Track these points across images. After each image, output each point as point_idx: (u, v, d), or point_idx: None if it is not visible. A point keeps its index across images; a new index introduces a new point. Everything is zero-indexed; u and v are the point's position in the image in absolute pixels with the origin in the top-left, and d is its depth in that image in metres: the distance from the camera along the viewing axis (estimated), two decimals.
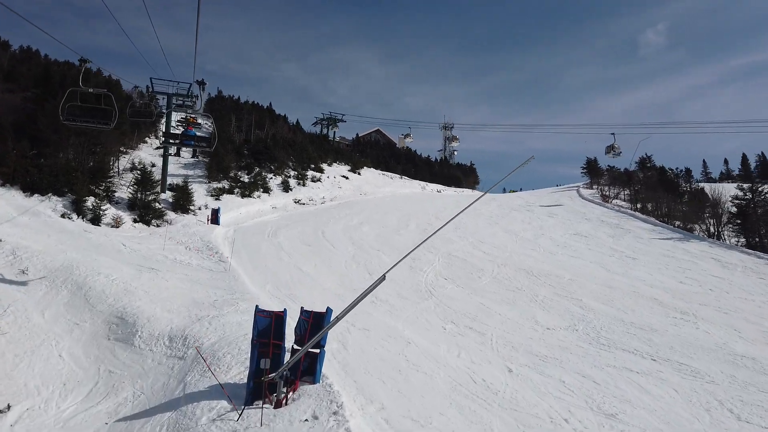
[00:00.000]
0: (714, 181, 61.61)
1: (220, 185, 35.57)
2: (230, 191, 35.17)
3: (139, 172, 27.84)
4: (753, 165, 64.85)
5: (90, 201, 23.97)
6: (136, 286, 13.54)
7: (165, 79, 30.94)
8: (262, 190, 37.41)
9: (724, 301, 16.28)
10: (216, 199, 33.57)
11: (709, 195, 41.99)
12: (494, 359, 10.79)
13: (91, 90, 15.91)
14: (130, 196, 26.67)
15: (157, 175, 31.61)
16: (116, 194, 26.91)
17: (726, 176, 64.88)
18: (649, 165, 46.30)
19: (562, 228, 30.65)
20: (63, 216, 22.54)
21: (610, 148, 35.47)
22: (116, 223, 23.71)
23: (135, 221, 25.27)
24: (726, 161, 63.58)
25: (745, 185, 29.63)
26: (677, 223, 33.42)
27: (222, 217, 28.93)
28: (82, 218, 23.08)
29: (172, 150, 45.69)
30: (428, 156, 77.62)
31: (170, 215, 27.28)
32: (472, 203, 8.45)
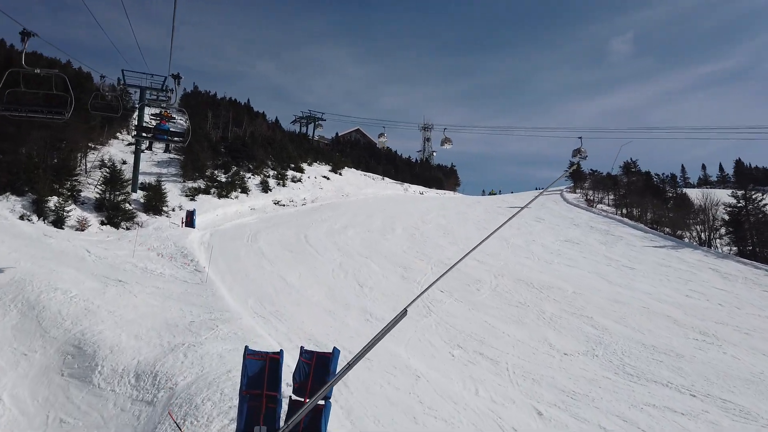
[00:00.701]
0: (693, 186, 61.54)
1: (195, 185, 33.48)
2: (206, 191, 33.12)
3: (108, 169, 25.69)
4: (731, 171, 65.14)
5: (53, 201, 21.83)
6: (99, 305, 11.68)
7: (138, 72, 28.87)
8: (240, 190, 35.42)
9: (739, 319, 15.15)
10: (191, 200, 31.49)
11: (694, 201, 41.56)
12: (517, 397, 9.30)
13: (38, 71, 12.48)
14: (98, 196, 24.54)
15: (128, 173, 29.45)
16: (82, 194, 24.74)
17: (704, 181, 64.99)
18: (634, 170, 45.58)
19: (551, 234, 29.51)
20: (21, 218, 20.38)
21: (577, 152, 34.92)
22: (81, 226, 21.62)
23: (102, 223, 23.17)
24: (704, 167, 63.66)
25: (739, 192, 28.80)
26: (666, 229, 32.61)
27: (198, 219, 26.97)
28: (44, 220, 20.94)
29: (144, 144, 43.36)
30: (408, 157, 76.21)
31: (141, 217, 25.22)
32: (525, 206, 6.78)
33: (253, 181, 38.31)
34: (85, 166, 29.58)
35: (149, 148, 43.34)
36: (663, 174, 45.49)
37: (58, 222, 21.11)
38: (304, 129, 69.77)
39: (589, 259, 23.47)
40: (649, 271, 21.48)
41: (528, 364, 11.14)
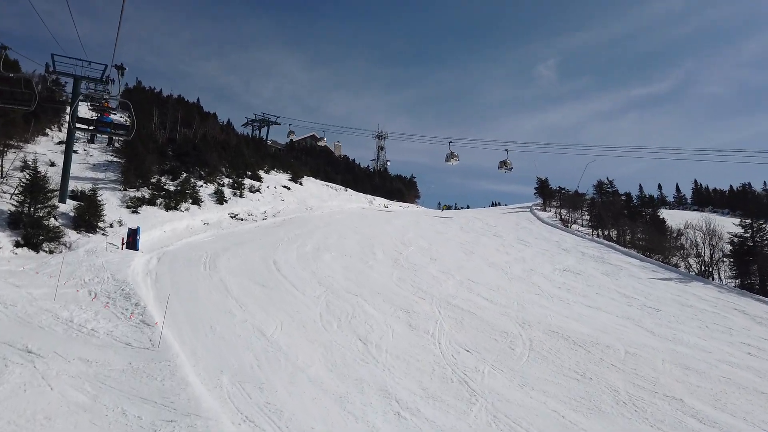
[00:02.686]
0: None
1: (138, 194, 28.19)
2: (152, 202, 27.90)
3: (28, 174, 20.28)
4: (688, 192, 64.92)
5: None
6: None
7: (73, 58, 23.52)
8: (191, 201, 30.34)
9: None
10: (133, 212, 26.25)
11: (670, 224, 39.71)
12: None
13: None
14: (14, 208, 19.18)
15: (56, 178, 23.98)
16: None
17: (662, 202, 64.46)
18: (610, 190, 43.46)
19: (546, 261, 26.31)
20: None
21: (503, 164, 33.01)
22: None
23: (18, 245, 17.90)
24: (660, 187, 62.95)
25: (746, 221, 26.51)
26: (658, 257, 30.17)
27: (142, 238, 21.95)
28: None
29: (82, 140, 37.33)
30: (367, 166, 72.33)
31: (70, 236, 20.01)
32: None
33: (206, 190, 33.26)
34: (2, 169, 23.89)
35: (91, 141, 37.34)
36: (646, 195, 43.44)
37: None
38: (257, 133, 64.62)
39: (604, 296, 20.28)
40: (678, 314, 18.47)
41: None
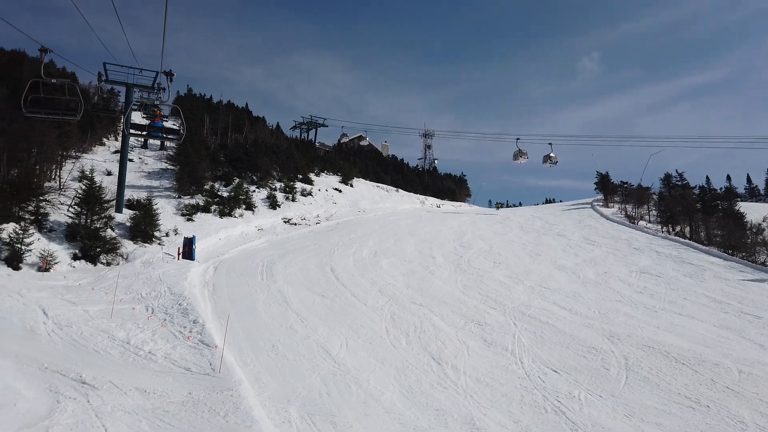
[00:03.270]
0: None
1: (193, 201, 27.86)
2: (206, 209, 27.51)
3: (84, 185, 19.98)
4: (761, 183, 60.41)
5: (7, 230, 16.16)
6: None
7: (124, 66, 23.28)
8: (244, 206, 29.82)
9: None
10: (188, 220, 25.87)
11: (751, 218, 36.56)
12: None
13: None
14: (71, 220, 18.88)
15: (112, 187, 23.81)
16: (51, 218, 19.07)
17: (733, 194, 60.08)
18: (679, 182, 40.53)
19: (620, 263, 24.25)
20: None
21: (547, 158, 31.67)
22: (45, 265, 15.98)
23: (75, 258, 17.54)
24: (729, 178, 58.72)
25: None
26: (741, 254, 27.55)
27: (198, 246, 21.39)
28: None
29: (137, 144, 38.08)
30: (416, 166, 70.89)
31: (127, 246, 19.60)
32: None
33: (258, 195, 32.73)
34: (59, 180, 23.87)
35: (144, 146, 37.95)
36: (720, 188, 40.21)
37: (13, 260, 15.48)
38: (305, 135, 64.31)
39: (693, 302, 18.22)
40: None
41: None
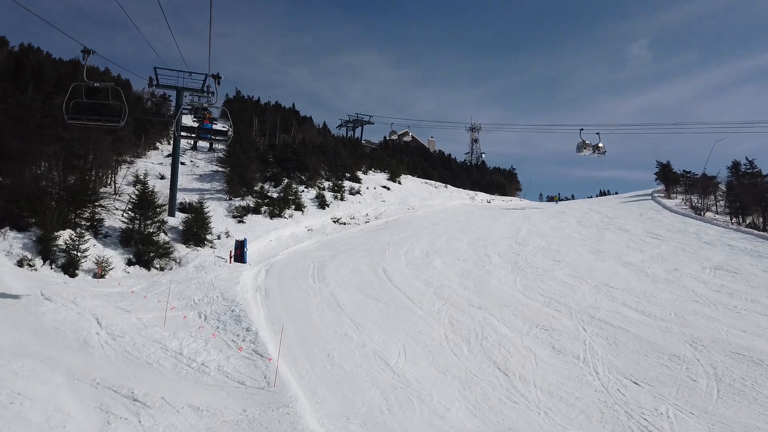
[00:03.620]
0: None
1: (243, 203, 27.79)
2: (256, 210, 27.37)
3: (137, 190, 20.02)
4: None
5: (63, 237, 16.24)
6: None
7: (174, 69, 23.35)
8: (293, 207, 29.57)
9: None
10: (239, 221, 25.77)
11: None
12: None
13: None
14: (125, 225, 18.92)
15: (165, 190, 23.91)
16: (106, 223, 19.17)
17: None
18: (751, 170, 37.80)
19: (689, 258, 22.52)
20: (20, 263, 14.87)
21: (595, 147, 29.09)
22: (100, 271, 15.97)
23: (130, 263, 17.52)
24: None
25: None
26: None
27: (249, 248, 21.12)
28: (50, 264, 15.40)
29: (187, 145, 38.76)
30: (464, 160, 69.50)
31: (179, 250, 19.51)
32: None
33: (307, 195, 32.44)
34: (114, 185, 24.17)
35: (194, 147, 38.63)
36: None
37: (70, 266, 15.53)
38: (350, 134, 63.96)
39: None
40: None
41: None
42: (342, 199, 33.64)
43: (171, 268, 18.16)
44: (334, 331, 13.23)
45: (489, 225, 31.33)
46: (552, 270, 20.57)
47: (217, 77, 22.01)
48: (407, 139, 65.68)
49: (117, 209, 20.51)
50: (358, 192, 35.89)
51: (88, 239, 16.93)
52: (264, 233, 24.93)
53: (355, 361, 11.35)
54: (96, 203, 19.19)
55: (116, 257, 17.35)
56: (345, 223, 30.16)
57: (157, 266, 17.87)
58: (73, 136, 18.56)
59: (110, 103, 13.24)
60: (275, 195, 30.21)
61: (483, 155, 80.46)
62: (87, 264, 16.04)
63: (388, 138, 66.50)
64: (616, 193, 70.19)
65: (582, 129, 25.93)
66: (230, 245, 21.11)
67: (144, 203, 19.06)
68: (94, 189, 20.04)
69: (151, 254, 17.81)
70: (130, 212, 19.04)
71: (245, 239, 20.73)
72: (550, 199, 63.62)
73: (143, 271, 17.41)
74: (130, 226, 18.62)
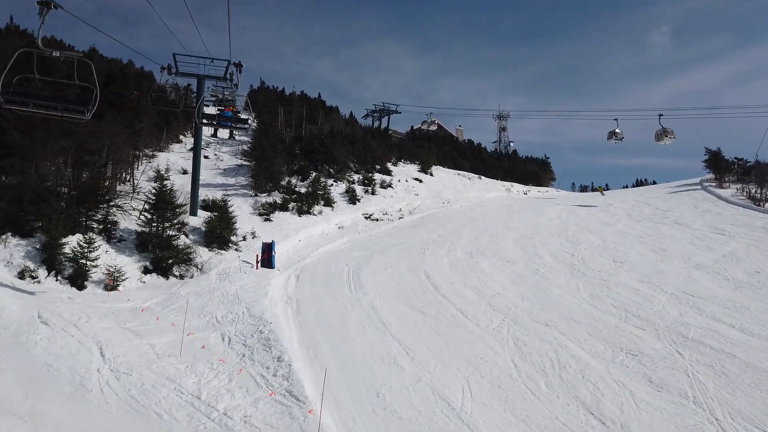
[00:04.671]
0: None
1: (270, 199, 25.71)
2: (284, 207, 25.28)
3: (155, 188, 18.00)
4: None
5: (71, 244, 14.29)
6: None
7: (194, 56, 21.25)
8: (323, 202, 27.41)
9: None
10: (266, 220, 23.71)
11: None
12: None
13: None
14: (141, 228, 16.96)
15: (187, 186, 21.94)
16: (121, 225, 17.23)
17: None
18: None
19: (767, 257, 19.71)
20: (21, 274, 12.97)
21: (612, 134, 28.76)
22: (112, 282, 14.00)
23: (146, 271, 15.54)
24: None
25: None
26: None
27: (277, 249, 19.02)
28: (56, 276, 13.48)
29: (209, 131, 37.65)
30: (485, 147, 66.34)
31: (201, 255, 17.49)
32: None
33: (336, 189, 30.25)
34: (133, 182, 22.29)
35: (214, 134, 37.61)
36: None
37: (78, 277, 13.60)
38: (377, 124, 61.43)
39: None
40: None
41: None
42: (373, 193, 31.37)
43: (192, 276, 16.14)
44: (381, 358, 10.99)
45: (533, 220, 28.73)
46: (616, 273, 18.00)
47: (239, 66, 20.39)
48: (433, 128, 63.04)
49: (134, 209, 18.56)
50: (390, 185, 33.56)
51: (99, 245, 14.94)
52: (292, 232, 22.82)
53: (412, 403, 9.10)
54: (111, 203, 17.24)
55: (131, 265, 15.37)
56: (377, 219, 27.91)
57: (177, 274, 15.86)
58: (83, 130, 16.57)
59: (75, 84, 9.89)
60: (303, 190, 28.09)
61: (512, 144, 77.31)
62: (97, 274, 14.08)
63: (415, 128, 63.88)
64: (654, 183, 66.53)
65: (661, 115, 23.19)
66: (256, 247, 19.04)
67: (162, 203, 17.06)
68: (109, 188, 18.13)
69: (170, 261, 15.81)
70: (146, 213, 17.05)
71: (273, 242, 18.61)
72: (596, 190, 60.06)
73: (161, 280, 15.41)
74: (147, 230, 16.63)
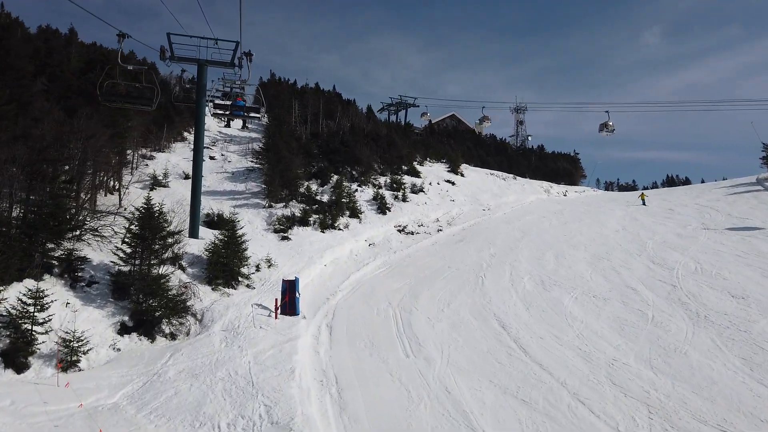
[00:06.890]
0: None
1: (287, 211, 20.95)
2: (303, 221, 20.53)
3: (139, 211, 13.20)
4: None
5: (14, 292, 9.62)
6: None
7: (195, 36, 16.39)
8: (348, 213, 22.65)
9: None
10: (283, 238, 19.01)
11: None
12: None
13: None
14: (119, 263, 12.24)
15: (187, 195, 17.25)
16: (94, 260, 12.51)
17: None
18: None
19: None
20: None
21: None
22: (66, 362, 9.31)
23: (123, 331, 10.86)
24: None
25: None
26: None
27: (300, 279, 14.33)
28: None
29: (221, 122, 34.47)
30: (509, 142, 61.21)
31: (202, 297, 12.79)
32: None
33: (362, 195, 25.48)
34: (120, 195, 17.60)
35: (227, 125, 34.27)
36: None
37: (15, 353, 8.91)
38: (392, 118, 56.44)
39: None
40: None
41: None
42: (404, 199, 26.54)
43: (188, 332, 11.45)
44: None
45: (596, 231, 23.83)
46: (754, 320, 13.11)
47: (248, 54, 16.79)
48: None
49: (117, 234, 13.87)
50: (422, 189, 28.69)
51: (54, 298, 10.20)
52: (316, 255, 18.10)
53: None
54: (82, 229, 12.54)
55: (102, 322, 10.68)
56: (413, 233, 23.10)
57: (167, 332, 11.16)
58: (42, 132, 11.88)
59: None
60: (324, 198, 23.32)
61: (529, 138, 72.22)
62: (48, 344, 9.43)
63: (432, 122, 58.82)
64: (687, 179, 61.28)
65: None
66: (273, 282, 14.37)
67: (149, 230, 12.33)
68: (80, 208, 13.44)
69: (157, 313, 11.10)
70: (126, 245, 12.32)
71: (297, 279, 13.86)
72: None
73: (144, 343, 10.72)
74: (125, 269, 11.92)
